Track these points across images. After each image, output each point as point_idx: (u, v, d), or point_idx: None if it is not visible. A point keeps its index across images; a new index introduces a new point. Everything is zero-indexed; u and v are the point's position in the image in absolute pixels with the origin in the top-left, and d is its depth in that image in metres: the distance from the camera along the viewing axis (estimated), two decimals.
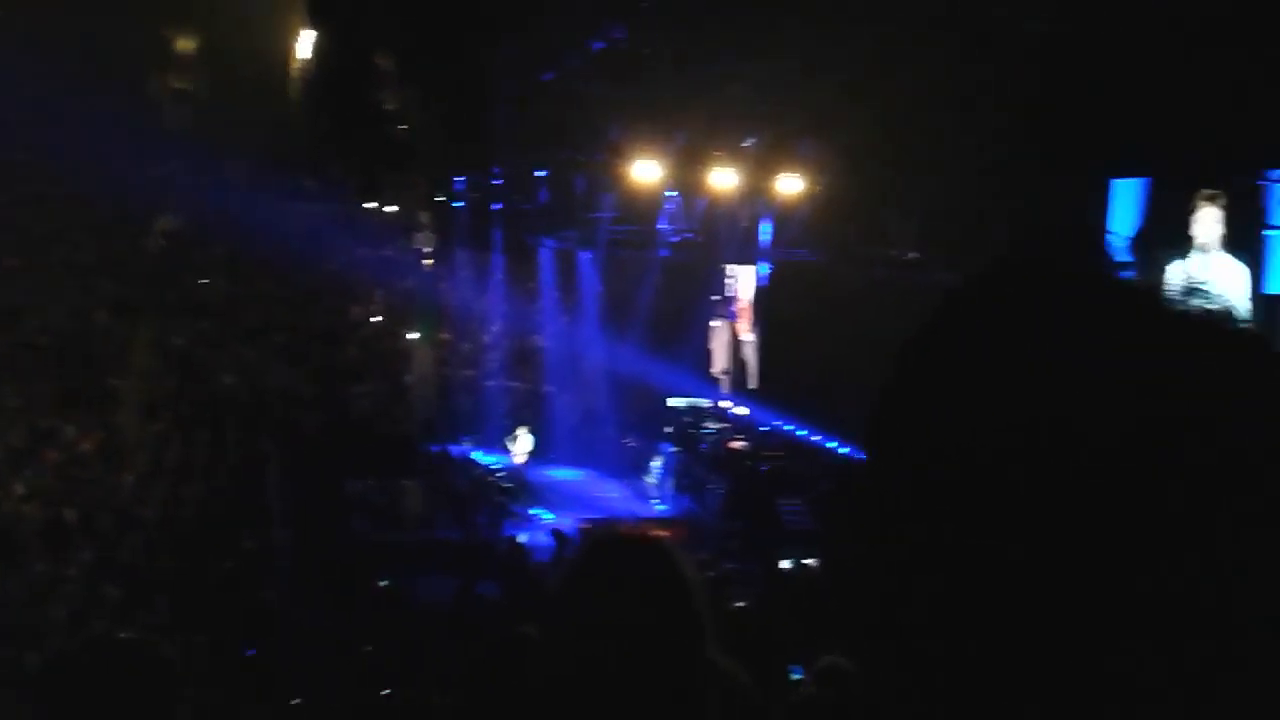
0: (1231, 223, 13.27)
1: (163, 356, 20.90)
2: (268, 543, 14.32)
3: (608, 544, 1.90)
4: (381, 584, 12.59)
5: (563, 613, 1.82)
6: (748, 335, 24.47)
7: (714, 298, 25.48)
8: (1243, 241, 13.19)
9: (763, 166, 19.48)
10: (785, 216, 20.82)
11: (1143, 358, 0.64)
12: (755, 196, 20.50)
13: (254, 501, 15.73)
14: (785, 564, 13.50)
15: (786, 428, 21.02)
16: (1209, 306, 0.68)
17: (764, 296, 23.33)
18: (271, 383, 20.39)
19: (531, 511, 18.38)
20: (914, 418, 0.68)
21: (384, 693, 6.39)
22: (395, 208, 25.35)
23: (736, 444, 20.42)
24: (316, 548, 14.02)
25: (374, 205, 25.91)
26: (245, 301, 23.35)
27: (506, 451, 20.30)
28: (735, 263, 24.15)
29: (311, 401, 20.25)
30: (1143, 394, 0.63)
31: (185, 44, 29.12)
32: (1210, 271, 13.45)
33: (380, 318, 25.24)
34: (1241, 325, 0.67)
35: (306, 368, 21.58)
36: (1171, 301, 0.68)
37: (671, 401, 23.65)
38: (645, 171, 19.03)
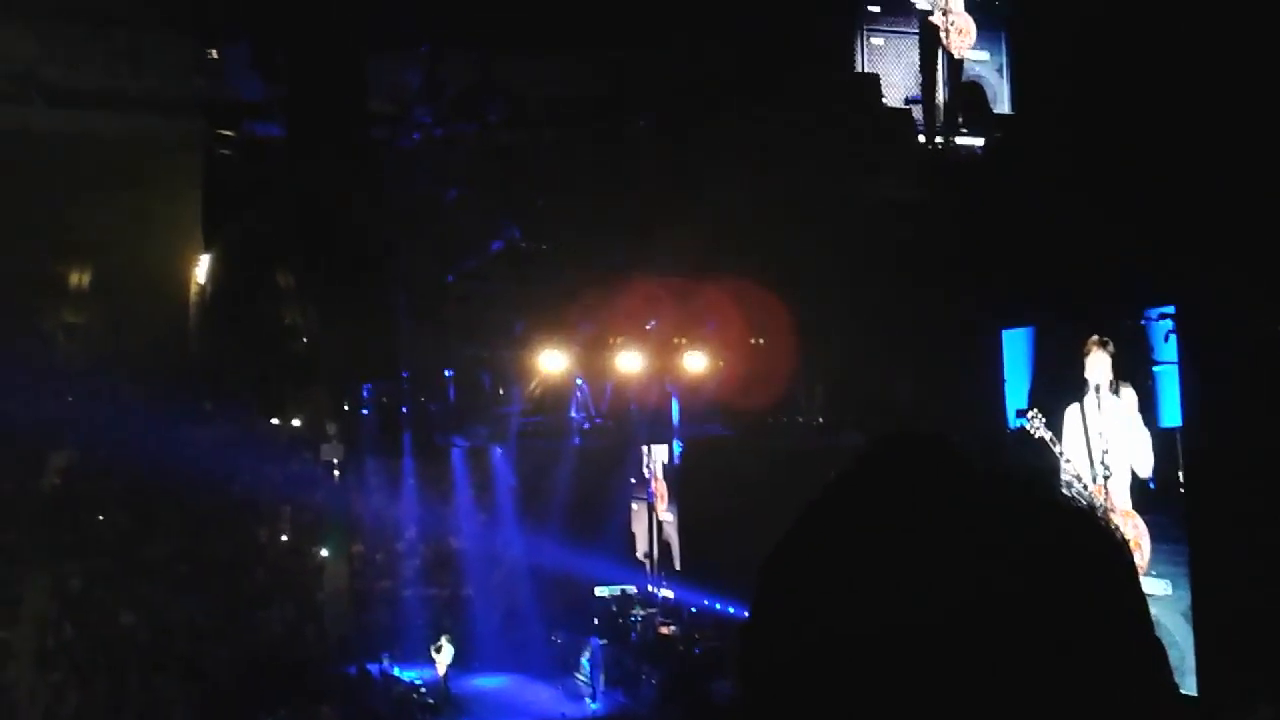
0: (1122, 361, 13.71)
1: (58, 601, 19.75)
2: None
3: None
4: None
5: None
6: (667, 515, 24.21)
7: (631, 480, 25.26)
8: (1133, 378, 13.60)
9: (667, 346, 19.69)
10: (693, 393, 20.94)
11: (986, 574, 0.70)
12: (662, 376, 20.64)
13: None
14: None
15: (716, 606, 20.54)
16: (1074, 496, 0.74)
17: (679, 474, 23.21)
18: (174, 618, 19.35)
19: None
20: (780, 628, 0.75)
21: None
22: (300, 421, 24.90)
23: (666, 629, 19.87)
24: None
25: (278, 421, 25.43)
26: (145, 534, 22.38)
27: (429, 663, 19.41)
28: (648, 443, 24.08)
29: (216, 634, 19.23)
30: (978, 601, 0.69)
31: (77, 277, 28.83)
32: (1103, 412, 13.82)
33: (288, 536, 24.40)
34: (1098, 520, 0.74)
35: (211, 598, 20.57)
36: (1034, 496, 0.74)
37: (598, 590, 23.04)
38: (552, 362, 19.08)
